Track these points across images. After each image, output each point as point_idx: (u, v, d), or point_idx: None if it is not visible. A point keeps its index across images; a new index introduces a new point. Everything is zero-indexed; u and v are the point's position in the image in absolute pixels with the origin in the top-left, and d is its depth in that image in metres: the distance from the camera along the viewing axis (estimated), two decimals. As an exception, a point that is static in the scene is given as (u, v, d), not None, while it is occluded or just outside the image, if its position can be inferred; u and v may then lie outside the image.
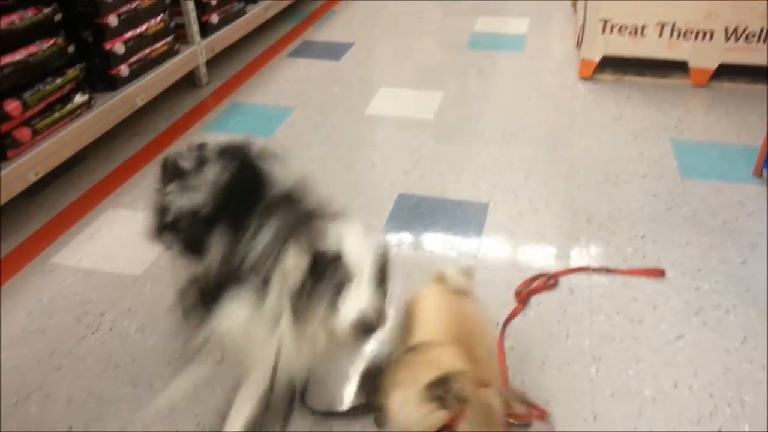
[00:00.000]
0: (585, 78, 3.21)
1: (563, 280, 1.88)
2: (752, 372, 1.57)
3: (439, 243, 2.09)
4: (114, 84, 2.65)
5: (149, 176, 2.49)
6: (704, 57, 3.00)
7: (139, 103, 2.76)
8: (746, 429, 1.43)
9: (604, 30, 3.07)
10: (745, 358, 1.61)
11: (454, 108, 2.98)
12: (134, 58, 2.73)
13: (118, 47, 2.63)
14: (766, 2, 2.80)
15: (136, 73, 2.75)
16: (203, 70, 3.26)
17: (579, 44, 3.37)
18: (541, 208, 2.24)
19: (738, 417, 1.46)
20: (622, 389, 1.54)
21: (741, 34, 2.89)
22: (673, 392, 1.53)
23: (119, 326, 1.79)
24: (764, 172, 2.30)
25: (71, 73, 2.38)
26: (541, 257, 2.00)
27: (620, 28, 3.05)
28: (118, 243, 2.14)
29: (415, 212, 2.24)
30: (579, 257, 1.99)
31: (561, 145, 2.63)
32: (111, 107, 2.58)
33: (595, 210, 2.21)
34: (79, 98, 2.43)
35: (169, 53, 2.96)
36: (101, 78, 2.62)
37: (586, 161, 2.51)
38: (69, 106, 2.38)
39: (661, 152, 2.54)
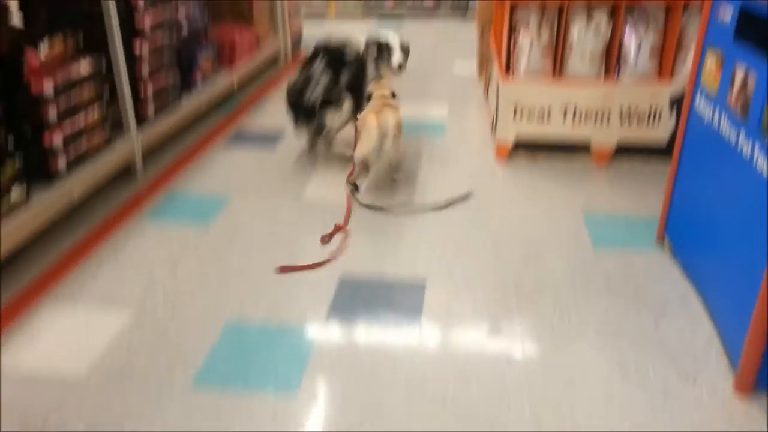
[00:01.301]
0: (501, 159, 3.50)
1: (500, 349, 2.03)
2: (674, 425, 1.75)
3: (382, 324, 2.20)
4: (51, 177, 2.66)
5: (87, 272, 2.50)
6: (604, 136, 3.36)
7: (76, 196, 2.77)
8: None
9: (515, 115, 3.39)
10: (667, 411, 1.79)
11: (384, 191, 3.16)
12: (71, 151, 2.76)
13: (56, 140, 2.66)
14: (653, 88, 3.21)
15: (73, 166, 2.78)
16: (139, 161, 3.31)
17: (494, 128, 3.68)
18: (474, 283, 2.41)
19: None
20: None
21: (634, 115, 3.28)
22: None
23: None
24: (665, 238, 2.58)
25: (8, 168, 2.39)
26: (479, 331, 2.15)
27: (529, 112, 3.38)
28: (59, 342, 2.11)
29: (358, 294, 2.35)
30: (511, 328, 2.15)
31: (486, 221, 2.85)
32: (48, 202, 2.58)
33: (522, 282, 2.40)
34: (15, 194, 2.43)
35: (106, 145, 3.01)
36: (38, 171, 2.63)
37: (509, 236, 2.73)
38: (5, 203, 2.37)
39: (574, 225, 2.80)
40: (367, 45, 3.62)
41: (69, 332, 2.16)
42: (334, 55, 3.42)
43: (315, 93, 3.27)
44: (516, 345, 2.07)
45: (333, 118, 3.36)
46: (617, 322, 2.17)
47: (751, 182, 1.84)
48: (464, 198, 3.05)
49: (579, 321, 2.18)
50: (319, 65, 3.35)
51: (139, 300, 2.32)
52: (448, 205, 2.99)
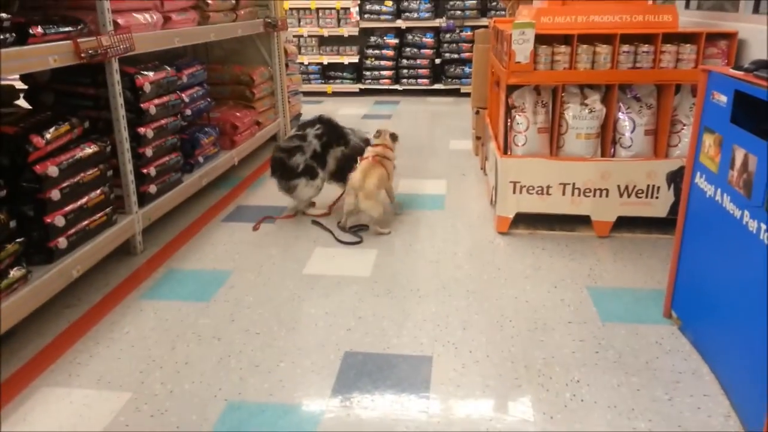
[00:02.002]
0: (502, 233, 3.51)
1: None
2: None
3: (389, 400, 2.13)
4: (51, 256, 2.64)
5: (84, 351, 2.44)
6: (603, 211, 3.40)
7: (75, 274, 2.74)
8: None
9: (514, 190, 3.43)
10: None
11: (388, 264, 3.16)
12: (73, 230, 2.76)
13: (58, 220, 2.66)
14: (649, 164, 3.28)
15: (73, 245, 2.76)
16: (139, 238, 3.30)
17: (493, 203, 3.72)
18: (481, 358, 2.36)
19: None
20: None
21: (632, 191, 3.33)
22: None
23: None
24: (672, 312, 2.56)
25: (11, 247, 2.38)
26: (489, 407, 2.08)
27: (528, 189, 3.43)
28: (54, 426, 2.03)
29: (363, 370, 2.29)
30: (523, 405, 2.09)
31: (490, 296, 2.82)
32: (48, 280, 2.55)
33: (531, 357, 2.35)
34: (16, 272, 2.40)
35: (107, 224, 3.01)
36: (39, 250, 2.61)
37: (515, 310, 2.69)
38: (5, 282, 2.34)
39: (580, 299, 2.78)
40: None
41: (64, 417, 2.07)
42: (332, 130, 3.71)
43: (302, 157, 3.58)
44: (528, 424, 2.00)
45: (304, 189, 3.64)
46: (631, 398, 2.11)
47: (759, 257, 1.84)
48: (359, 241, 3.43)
49: (591, 398, 2.11)
50: (313, 132, 3.65)
51: (136, 381, 2.25)
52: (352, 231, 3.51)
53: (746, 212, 1.93)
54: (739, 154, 1.98)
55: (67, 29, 2.71)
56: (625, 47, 3.23)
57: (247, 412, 2.08)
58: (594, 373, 2.25)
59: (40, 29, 2.54)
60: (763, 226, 1.82)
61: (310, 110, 7.10)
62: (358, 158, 3.63)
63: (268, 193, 4.34)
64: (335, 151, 3.73)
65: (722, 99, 2.13)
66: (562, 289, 2.88)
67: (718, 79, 2.19)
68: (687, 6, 4.26)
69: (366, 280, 3.00)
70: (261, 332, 2.56)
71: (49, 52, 2.57)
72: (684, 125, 3.35)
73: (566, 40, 3.33)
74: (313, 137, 3.63)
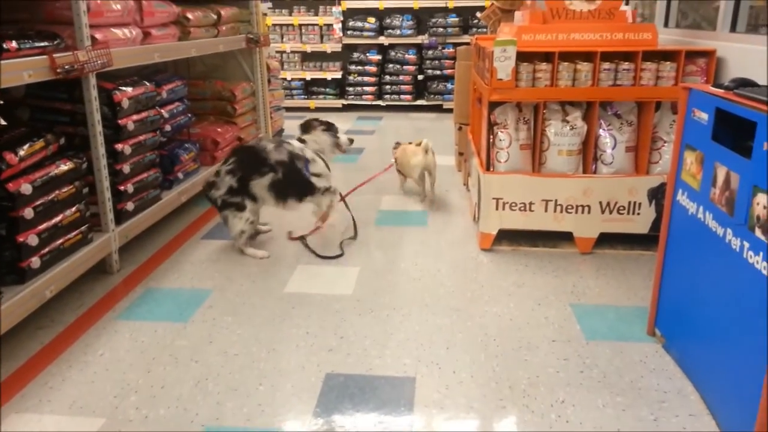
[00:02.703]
0: (485, 249, 3.49)
1: (498, 453, 1.92)
2: None
3: (371, 423, 2.08)
4: (24, 276, 2.56)
5: (57, 375, 2.36)
6: (586, 228, 3.39)
7: (48, 295, 2.67)
8: None
9: (497, 207, 3.42)
10: None
11: (371, 282, 3.12)
12: (46, 249, 2.69)
13: (32, 239, 2.59)
14: (630, 180, 3.29)
15: (47, 264, 2.69)
16: (115, 256, 3.23)
17: (476, 219, 3.71)
18: (465, 378, 2.32)
19: None
20: None
21: (614, 208, 3.33)
22: None
23: None
24: (656, 330, 2.54)
25: (-21, 268, 2.30)
26: (473, 430, 2.04)
27: (511, 205, 3.42)
28: (22, 453, 1.95)
29: (345, 392, 2.24)
30: (507, 427, 2.05)
31: (474, 313, 2.79)
32: (20, 301, 2.47)
33: (515, 377, 2.32)
34: (-15, 294, 2.32)
35: (83, 242, 2.94)
36: (10, 270, 2.54)
37: (499, 328, 2.66)
38: (-26, 303, 2.26)
39: (563, 316, 2.76)
40: (312, 124, 3.80)
41: (32, 444, 1.99)
42: (249, 157, 3.44)
43: (218, 192, 3.42)
44: (513, 447, 1.96)
45: (232, 221, 3.44)
46: (616, 418, 2.08)
47: (743, 275, 1.83)
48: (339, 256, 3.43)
49: (577, 419, 2.08)
50: (226, 167, 3.42)
51: (110, 406, 2.17)
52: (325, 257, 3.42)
53: (729, 230, 1.92)
54: (721, 172, 1.98)
55: (42, 44, 2.66)
56: (606, 65, 3.25)
57: (224, 437, 2.02)
58: (579, 393, 2.22)
59: (14, 44, 2.49)
60: (746, 244, 1.81)
61: (292, 125, 7.06)
62: (307, 164, 3.53)
63: (249, 209, 4.28)
64: (261, 181, 3.41)
65: (703, 116, 2.13)
66: (546, 306, 2.86)
67: (698, 96, 2.20)
68: (666, 24, 4.32)
69: (348, 298, 2.95)
70: (240, 353, 2.50)
71: (24, 67, 2.51)
72: (665, 142, 3.37)
73: (547, 57, 3.34)
74: (225, 173, 3.39)
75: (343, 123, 7.49)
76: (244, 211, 3.40)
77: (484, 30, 7.65)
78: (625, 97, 3.33)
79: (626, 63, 3.26)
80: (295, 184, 3.49)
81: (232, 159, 3.43)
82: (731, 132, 2.02)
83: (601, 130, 3.42)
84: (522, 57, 3.28)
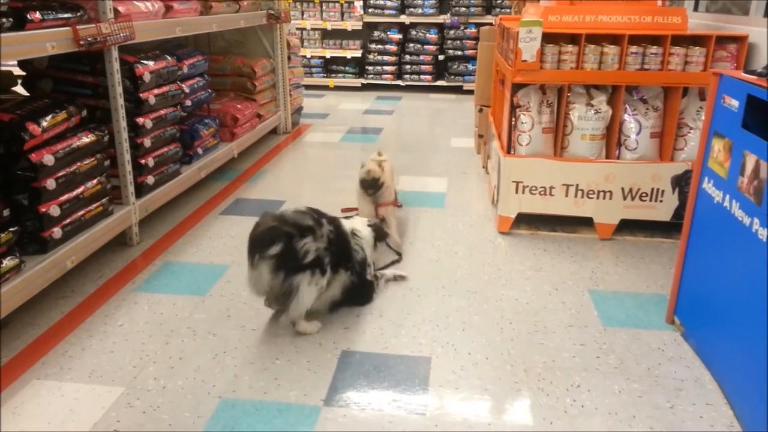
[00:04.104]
0: (503, 233, 3.47)
1: (512, 435, 1.92)
2: None
3: (386, 401, 2.09)
4: (45, 247, 2.59)
5: (76, 344, 2.39)
6: (606, 214, 3.35)
7: (69, 265, 2.70)
8: None
9: (517, 190, 3.39)
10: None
11: (387, 262, 3.11)
12: (68, 220, 2.71)
13: (53, 210, 2.61)
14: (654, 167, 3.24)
15: (68, 235, 2.72)
16: (135, 229, 3.26)
17: (495, 202, 3.68)
18: (480, 360, 2.32)
19: None
20: None
21: (636, 194, 3.29)
22: None
23: None
24: (675, 318, 2.52)
25: (4, 236, 2.33)
26: (487, 411, 2.04)
27: (531, 189, 3.39)
28: (44, 420, 1.99)
29: (360, 370, 2.25)
30: (522, 409, 2.05)
31: (491, 297, 2.78)
32: (41, 271, 2.50)
33: (531, 361, 2.31)
34: (8, 262, 2.35)
35: (103, 214, 2.97)
36: (32, 240, 2.57)
37: (515, 312, 2.65)
38: (-3, 271, 2.30)
39: (581, 302, 2.74)
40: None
41: (54, 411, 2.03)
42: (342, 244, 2.58)
43: (313, 243, 2.39)
44: (528, 430, 1.96)
45: (310, 288, 2.39)
46: (632, 405, 2.07)
47: (768, 262, 1.80)
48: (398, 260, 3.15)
49: (592, 404, 2.07)
50: (327, 228, 2.49)
51: (129, 376, 2.20)
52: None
53: (756, 220, 1.89)
54: (750, 161, 1.94)
55: (66, 15, 2.65)
56: (634, 48, 3.18)
57: (241, 410, 2.04)
58: (595, 379, 2.21)
59: (38, 15, 2.49)
60: (774, 235, 1.78)
61: (311, 104, 7.06)
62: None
63: (268, 186, 4.30)
64: (342, 276, 2.56)
65: (733, 103, 2.08)
66: (563, 291, 2.84)
67: (729, 82, 2.14)
68: (696, 8, 4.22)
69: (365, 277, 2.95)
70: (257, 328, 2.52)
71: (47, 39, 2.51)
72: (690, 129, 3.31)
73: (573, 39, 3.28)
74: (327, 233, 2.47)
75: (362, 102, 7.47)
76: (324, 276, 2.44)
77: (508, 10, 7.53)
78: (652, 81, 3.27)
79: (654, 47, 3.19)
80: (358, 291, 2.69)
81: (332, 228, 2.51)
82: (762, 120, 1.97)
83: (626, 115, 3.37)
84: (547, 38, 3.22)
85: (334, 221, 2.59)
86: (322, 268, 2.40)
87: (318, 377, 2.21)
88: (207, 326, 2.53)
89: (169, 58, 3.56)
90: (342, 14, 8.24)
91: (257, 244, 2.38)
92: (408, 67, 8.19)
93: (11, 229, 2.38)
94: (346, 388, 2.15)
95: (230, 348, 2.38)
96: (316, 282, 2.39)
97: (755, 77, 2.02)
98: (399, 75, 8.26)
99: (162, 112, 3.47)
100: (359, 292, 2.69)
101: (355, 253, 2.64)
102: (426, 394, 2.12)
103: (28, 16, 2.44)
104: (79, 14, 2.74)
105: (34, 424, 1.97)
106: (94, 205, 2.89)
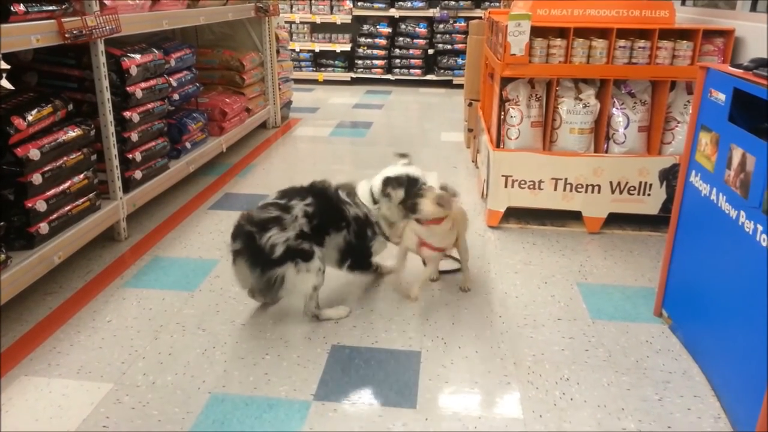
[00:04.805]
0: (493, 227, 3.48)
1: None
2: None
3: (377, 394, 2.09)
4: (32, 242, 2.57)
5: (65, 340, 2.37)
6: (595, 207, 3.37)
7: (57, 260, 2.67)
8: None
9: (506, 184, 3.40)
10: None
11: (378, 256, 3.10)
12: (55, 215, 2.69)
13: (40, 205, 2.59)
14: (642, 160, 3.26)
15: (55, 230, 2.69)
16: (123, 224, 3.23)
17: (484, 196, 3.69)
18: (470, 354, 2.33)
19: None
20: None
21: (624, 188, 3.30)
22: None
23: None
24: (663, 311, 2.54)
25: (-12, 232, 2.31)
26: (477, 405, 2.05)
27: (520, 183, 3.39)
28: (32, 417, 1.97)
29: (350, 364, 2.25)
30: (511, 402, 2.06)
31: (480, 290, 2.79)
32: (27, 266, 2.48)
33: (520, 354, 2.33)
34: (-6, 258, 2.33)
35: (91, 209, 2.94)
36: (19, 235, 2.54)
37: (505, 306, 2.66)
38: (-18, 267, 2.27)
39: (570, 295, 2.75)
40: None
41: (42, 408, 2.01)
42: (328, 207, 2.53)
43: (280, 236, 2.34)
44: (517, 423, 1.97)
45: (302, 275, 2.39)
46: (620, 397, 2.08)
47: (755, 258, 1.81)
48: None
49: (581, 396, 2.09)
50: (301, 207, 2.43)
51: (118, 372, 2.19)
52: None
53: (743, 213, 1.90)
54: (737, 154, 1.95)
55: (50, 8, 2.62)
56: (622, 42, 3.19)
57: (231, 405, 2.04)
58: (584, 372, 2.22)
59: (22, 7, 2.45)
60: (760, 228, 1.79)
61: (301, 98, 7.03)
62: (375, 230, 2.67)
63: (257, 181, 4.28)
64: (335, 237, 2.54)
65: (720, 97, 2.10)
66: (552, 284, 2.85)
67: (716, 76, 2.16)
68: (683, 2, 4.23)
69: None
70: (246, 323, 2.51)
71: (32, 31, 2.48)
72: (678, 122, 3.33)
73: (562, 33, 3.29)
74: (301, 213, 2.41)
75: (351, 96, 7.45)
76: (312, 259, 2.41)
77: (497, 4, 7.53)
78: (640, 75, 3.28)
79: (642, 41, 3.20)
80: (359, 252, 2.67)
81: (310, 198, 2.46)
82: (749, 114, 1.99)
83: (614, 109, 3.38)
84: (536, 32, 3.22)
85: (313, 189, 2.53)
86: (304, 255, 2.38)
87: (308, 372, 2.21)
88: (196, 321, 2.52)
89: (156, 51, 3.53)
90: (331, 7, 8.20)
91: (231, 241, 2.44)
92: (398, 61, 8.17)
93: (-4, 225, 2.36)
94: (336, 382, 2.15)
95: (220, 343, 2.37)
96: (307, 269, 2.39)
97: (742, 71, 2.03)
98: (389, 69, 8.24)
99: (149, 106, 3.44)
100: (357, 254, 2.64)
101: (349, 208, 2.57)
102: (416, 389, 2.13)
103: (12, 8, 2.41)
104: (64, 6, 2.71)
105: (22, 420, 1.95)
106: (81, 200, 2.86)
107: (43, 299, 2.66)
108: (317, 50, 8.29)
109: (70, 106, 2.83)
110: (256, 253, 2.33)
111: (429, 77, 8.18)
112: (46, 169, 2.62)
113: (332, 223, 2.53)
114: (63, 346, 2.35)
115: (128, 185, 3.29)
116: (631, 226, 3.44)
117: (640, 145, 3.38)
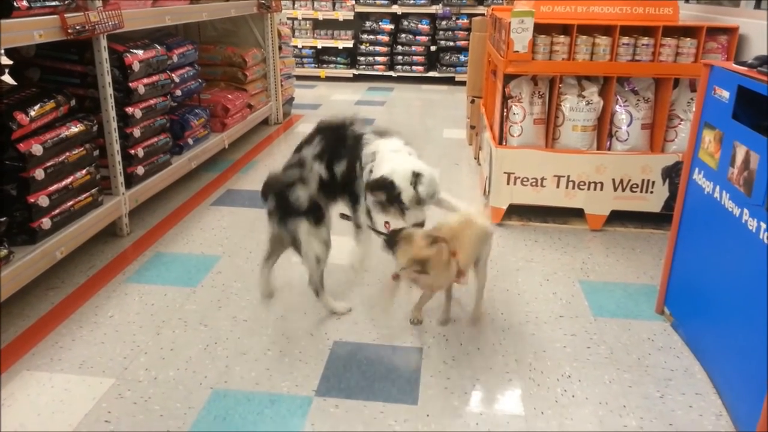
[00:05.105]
0: (495, 223, 3.48)
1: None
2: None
3: (378, 391, 2.09)
4: (34, 237, 2.57)
5: (67, 335, 2.38)
6: (597, 205, 3.37)
7: (59, 256, 2.68)
8: None
9: (508, 182, 3.39)
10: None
11: (378, 254, 3.10)
12: (57, 211, 2.69)
13: (42, 200, 2.59)
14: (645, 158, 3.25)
15: (57, 226, 2.69)
16: (126, 220, 3.24)
17: (486, 193, 3.68)
18: (472, 350, 2.33)
19: None
20: None
21: (627, 185, 3.30)
22: None
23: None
24: (665, 309, 2.54)
25: (-9, 227, 2.31)
26: (478, 401, 2.05)
27: (522, 180, 3.39)
28: (34, 411, 1.98)
29: (352, 360, 2.25)
30: (513, 399, 2.06)
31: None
32: (30, 262, 2.48)
33: (522, 351, 2.32)
34: (-4, 253, 2.33)
35: (93, 204, 2.94)
36: (21, 231, 2.54)
37: (507, 303, 2.66)
38: (-15, 262, 2.27)
39: (572, 293, 2.75)
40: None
41: (44, 402, 2.02)
42: (334, 137, 2.48)
43: (304, 192, 2.36)
44: (518, 420, 1.97)
45: (311, 239, 2.39)
46: (622, 395, 2.08)
47: (758, 256, 1.81)
48: None
49: (583, 394, 2.09)
50: (311, 152, 2.44)
51: (120, 367, 2.19)
52: None
53: (746, 210, 1.90)
54: (740, 152, 1.95)
55: (53, 3, 2.61)
56: (625, 39, 3.18)
57: (233, 400, 2.04)
58: (585, 369, 2.22)
59: (24, 2, 2.45)
60: (763, 225, 1.79)
61: (303, 94, 7.02)
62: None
63: (259, 177, 4.25)
64: (339, 165, 2.42)
65: (724, 94, 2.09)
66: (554, 282, 2.85)
67: (720, 74, 2.15)
68: (687, 0, 4.22)
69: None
70: (248, 319, 2.51)
71: (35, 27, 2.48)
72: (681, 120, 3.32)
73: (565, 30, 3.28)
74: (312, 159, 2.40)
75: (353, 93, 7.44)
76: (322, 225, 2.41)
77: (500, 1, 7.51)
78: (643, 72, 3.27)
79: (645, 38, 3.19)
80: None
81: (318, 137, 2.47)
82: (752, 111, 1.98)
83: (617, 107, 3.37)
84: (539, 29, 3.21)
85: (319, 128, 2.55)
86: (317, 214, 2.37)
87: (310, 368, 2.21)
88: (198, 317, 2.52)
89: (159, 47, 3.53)
90: (333, 4, 8.19)
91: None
92: (400, 57, 8.16)
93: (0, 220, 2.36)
94: (337, 378, 2.16)
95: (221, 339, 2.38)
96: (315, 234, 2.38)
97: (746, 68, 2.02)
98: (391, 66, 8.23)
99: (152, 101, 3.44)
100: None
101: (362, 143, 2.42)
102: (418, 385, 2.13)
103: (15, 3, 2.41)
104: (66, 2, 2.70)
105: (24, 415, 1.96)
106: (84, 196, 2.87)
107: (46, 294, 2.66)
108: (319, 47, 8.28)
109: (73, 102, 2.83)
110: (283, 207, 2.39)
111: (431, 74, 8.16)
112: (48, 164, 2.62)
113: (336, 154, 2.42)
114: (65, 341, 2.35)
115: (131, 181, 3.29)
116: (634, 223, 3.43)
117: (643, 143, 3.37)
